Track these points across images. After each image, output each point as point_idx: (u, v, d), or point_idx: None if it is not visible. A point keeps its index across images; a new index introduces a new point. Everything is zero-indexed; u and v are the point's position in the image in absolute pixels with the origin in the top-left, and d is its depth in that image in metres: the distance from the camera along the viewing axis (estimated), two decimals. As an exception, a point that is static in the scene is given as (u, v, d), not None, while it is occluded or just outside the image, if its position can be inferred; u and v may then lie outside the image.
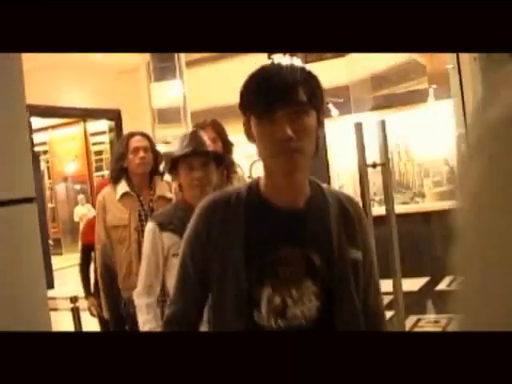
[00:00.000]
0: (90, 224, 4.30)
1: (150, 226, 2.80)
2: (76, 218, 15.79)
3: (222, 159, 2.91)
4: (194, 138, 2.79)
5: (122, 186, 3.75)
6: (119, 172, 3.79)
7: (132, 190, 3.74)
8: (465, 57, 2.62)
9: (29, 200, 1.78)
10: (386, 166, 3.50)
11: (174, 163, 2.77)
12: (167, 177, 3.59)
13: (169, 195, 3.76)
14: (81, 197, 15.59)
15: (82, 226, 14.68)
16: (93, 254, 4.17)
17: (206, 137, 2.89)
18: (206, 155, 2.75)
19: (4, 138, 1.75)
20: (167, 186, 3.85)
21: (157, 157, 3.86)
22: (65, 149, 15.40)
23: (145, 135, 3.91)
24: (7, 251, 1.73)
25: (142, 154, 3.75)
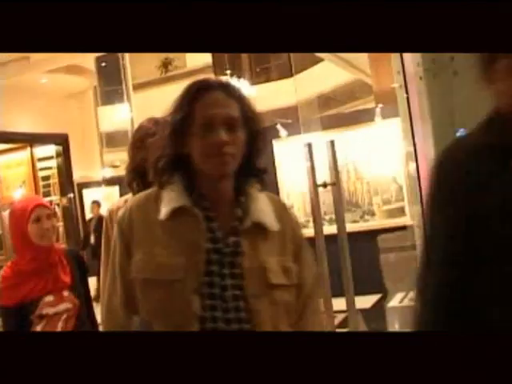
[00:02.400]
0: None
1: None
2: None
3: None
4: None
5: None
6: None
7: None
8: (411, 75, 2.66)
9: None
10: (336, 185, 3.53)
11: None
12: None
13: None
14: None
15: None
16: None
17: None
18: None
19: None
20: None
21: None
22: (12, 174, 15.13)
23: None
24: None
25: None
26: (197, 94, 1.86)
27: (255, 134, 1.88)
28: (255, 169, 1.91)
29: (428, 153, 2.57)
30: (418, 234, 2.68)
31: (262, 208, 1.86)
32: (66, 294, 3.16)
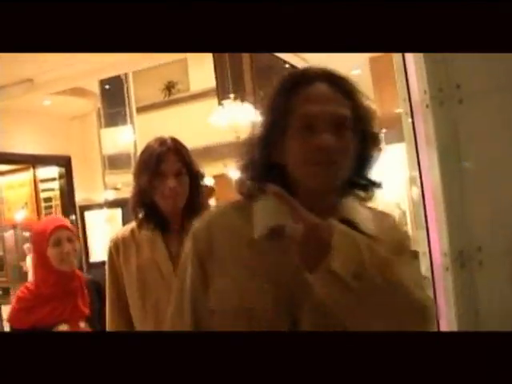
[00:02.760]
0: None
1: None
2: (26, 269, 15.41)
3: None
4: None
5: None
6: None
7: None
8: (416, 102, 2.65)
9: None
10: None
11: None
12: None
13: None
14: (27, 246, 15.22)
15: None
16: None
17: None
18: None
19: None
20: None
21: None
22: (14, 195, 15.13)
23: None
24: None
25: None
26: (295, 87, 1.52)
27: (368, 138, 1.56)
28: (365, 181, 1.60)
29: (434, 179, 2.56)
30: (424, 261, 2.65)
31: (368, 227, 1.53)
32: (82, 325, 3.04)
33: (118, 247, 2.58)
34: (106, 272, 2.63)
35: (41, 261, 3.09)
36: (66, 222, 3.28)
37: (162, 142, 2.61)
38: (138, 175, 2.60)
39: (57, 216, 3.46)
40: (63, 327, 2.95)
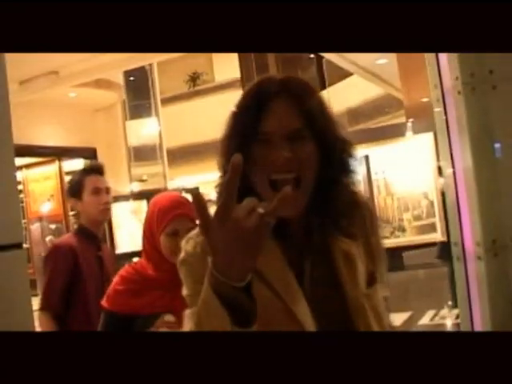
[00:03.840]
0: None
1: None
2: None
3: None
4: None
5: None
6: None
7: None
8: (448, 89, 2.60)
9: (18, 246, 1.70)
10: (370, 200, 3.47)
11: None
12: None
13: None
14: (49, 238, 15.31)
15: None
16: None
17: None
18: None
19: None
20: None
21: None
22: (40, 188, 15.22)
23: None
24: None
25: None
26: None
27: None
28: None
29: (466, 167, 2.51)
30: (455, 250, 2.61)
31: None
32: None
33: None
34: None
35: (152, 245, 2.71)
36: (191, 210, 2.62)
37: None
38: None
39: (184, 198, 2.80)
40: (169, 318, 2.59)
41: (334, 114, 1.65)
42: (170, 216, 2.65)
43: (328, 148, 1.58)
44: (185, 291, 1.58)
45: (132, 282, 2.70)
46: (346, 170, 1.65)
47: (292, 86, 1.59)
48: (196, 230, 1.61)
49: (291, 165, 1.50)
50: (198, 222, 1.25)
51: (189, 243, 1.60)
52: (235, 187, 1.21)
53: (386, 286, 1.73)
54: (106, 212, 3.91)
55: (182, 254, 1.60)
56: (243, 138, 1.54)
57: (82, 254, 3.80)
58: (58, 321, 3.65)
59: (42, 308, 3.68)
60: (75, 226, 4.03)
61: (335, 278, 1.59)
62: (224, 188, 1.26)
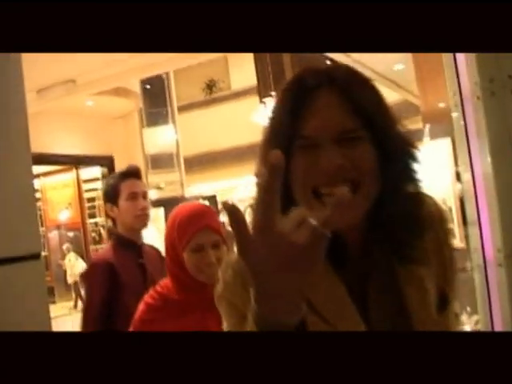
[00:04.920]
0: None
1: None
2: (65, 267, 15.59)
3: None
4: None
5: None
6: None
7: None
8: (467, 95, 2.58)
9: (36, 256, 1.70)
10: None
11: None
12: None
13: None
14: (66, 246, 15.35)
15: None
16: None
17: None
18: None
19: (11, 193, 1.67)
20: None
21: None
22: (57, 196, 15.31)
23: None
24: (15, 309, 1.65)
25: None
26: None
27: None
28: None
29: (485, 173, 2.48)
30: (475, 256, 2.58)
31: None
32: None
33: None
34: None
35: (177, 262, 2.42)
36: (215, 220, 2.47)
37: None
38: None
39: (206, 207, 2.50)
40: None
41: (391, 108, 1.34)
42: (192, 229, 2.38)
43: (388, 151, 1.27)
44: (226, 328, 1.34)
45: (157, 309, 2.44)
46: (411, 177, 1.35)
47: (339, 76, 1.30)
48: (234, 253, 1.31)
49: (344, 174, 1.22)
50: (233, 240, 0.95)
51: (227, 273, 1.35)
52: (276, 193, 0.91)
53: (456, 301, 1.45)
54: (143, 218, 3.73)
55: (221, 286, 1.36)
56: (282, 144, 1.19)
57: (121, 266, 3.48)
58: None
59: (83, 329, 3.54)
60: (112, 238, 3.74)
61: (404, 310, 1.30)
62: (262, 194, 0.92)
